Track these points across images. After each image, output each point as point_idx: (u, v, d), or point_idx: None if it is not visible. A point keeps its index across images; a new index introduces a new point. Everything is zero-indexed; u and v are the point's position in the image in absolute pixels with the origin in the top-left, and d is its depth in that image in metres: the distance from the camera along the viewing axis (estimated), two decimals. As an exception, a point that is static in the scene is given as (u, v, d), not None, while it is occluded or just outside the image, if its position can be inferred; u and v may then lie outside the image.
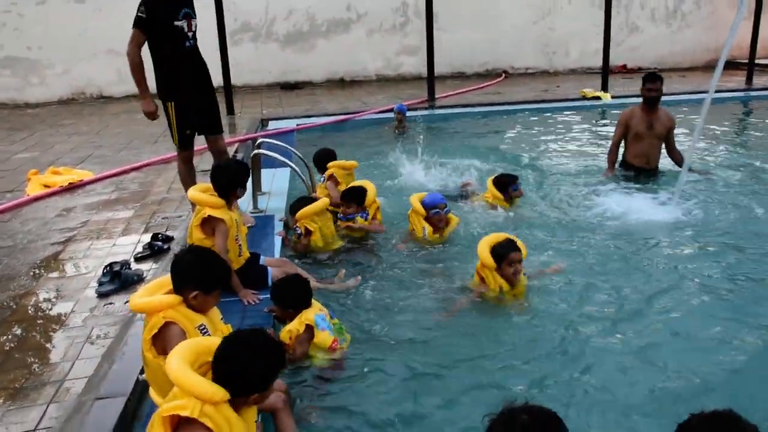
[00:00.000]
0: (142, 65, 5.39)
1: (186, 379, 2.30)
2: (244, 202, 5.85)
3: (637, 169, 7.27)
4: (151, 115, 5.66)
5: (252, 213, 5.98)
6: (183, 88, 5.50)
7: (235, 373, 2.36)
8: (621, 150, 7.45)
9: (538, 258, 4.99)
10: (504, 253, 4.29)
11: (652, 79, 7.12)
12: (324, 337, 3.63)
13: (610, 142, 7.59)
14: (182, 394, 2.31)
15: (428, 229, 5.35)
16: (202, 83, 5.67)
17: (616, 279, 4.71)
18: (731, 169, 7.67)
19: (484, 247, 4.39)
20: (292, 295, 3.78)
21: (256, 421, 2.89)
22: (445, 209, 5.40)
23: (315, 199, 5.34)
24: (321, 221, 5.19)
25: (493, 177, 6.45)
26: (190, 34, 5.46)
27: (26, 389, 3.37)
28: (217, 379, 2.36)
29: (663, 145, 7.32)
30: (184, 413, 2.25)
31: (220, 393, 2.30)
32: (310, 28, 15.60)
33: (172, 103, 5.52)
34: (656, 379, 3.46)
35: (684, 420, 1.91)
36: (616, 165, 7.43)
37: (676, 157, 7.29)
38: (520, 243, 4.41)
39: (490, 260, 4.32)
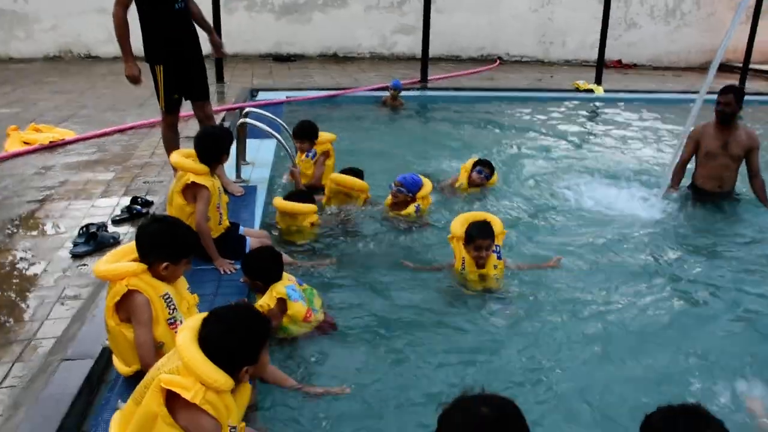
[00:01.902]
0: (126, 27, 5.23)
1: (195, 362, 2.25)
2: (227, 171, 5.76)
3: (707, 193, 6.21)
4: (134, 80, 5.48)
5: (235, 182, 5.89)
6: (171, 51, 5.38)
7: (224, 350, 2.31)
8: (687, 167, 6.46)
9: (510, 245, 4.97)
10: (474, 235, 4.28)
11: (724, 91, 6.02)
12: (297, 307, 3.58)
13: (595, 139, 7.34)
14: (187, 372, 2.26)
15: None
16: (191, 47, 5.54)
17: (594, 272, 4.70)
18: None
19: (459, 220, 4.43)
20: (263, 268, 3.72)
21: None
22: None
23: (307, 193, 5.29)
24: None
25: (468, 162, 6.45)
26: None
27: (-9, 346, 3.30)
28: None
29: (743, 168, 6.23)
30: (187, 396, 2.21)
31: (227, 382, 2.28)
32: (306, 0, 15.39)
33: (161, 66, 5.40)
34: (631, 380, 3.44)
35: (651, 412, 1.90)
36: (683, 187, 6.44)
37: (757, 185, 6.12)
38: (498, 223, 4.41)
39: (459, 231, 4.34)
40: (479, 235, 4.27)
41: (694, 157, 6.33)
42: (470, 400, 1.80)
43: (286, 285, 3.64)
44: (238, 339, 2.35)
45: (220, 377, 2.25)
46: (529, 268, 4.64)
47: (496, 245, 4.35)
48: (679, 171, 6.40)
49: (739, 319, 4.12)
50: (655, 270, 4.79)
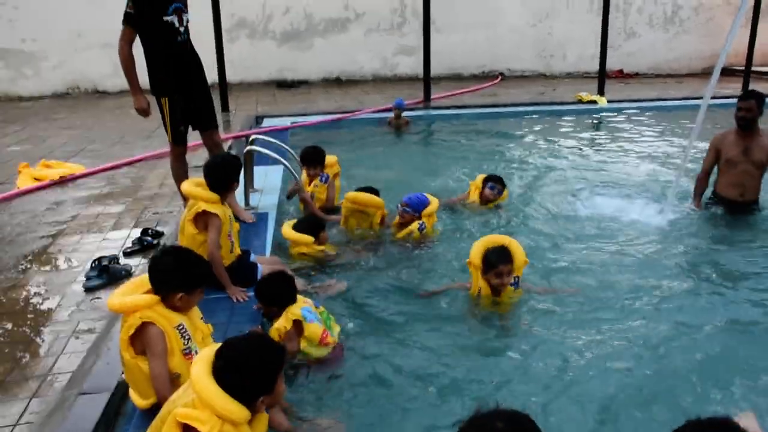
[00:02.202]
0: (131, 62, 5.31)
1: (210, 395, 2.25)
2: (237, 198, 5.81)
3: (729, 201, 6.13)
4: (143, 112, 5.57)
5: (244, 209, 5.92)
6: (176, 83, 5.45)
7: (238, 381, 2.32)
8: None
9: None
10: (494, 262, 4.20)
11: (744, 97, 6.00)
12: (314, 329, 3.59)
13: (601, 150, 7.37)
14: (202, 405, 2.26)
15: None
16: (196, 78, 5.61)
17: (604, 287, 4.66)
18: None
19: (479, 247, 4.32)
20: (276, 292, 3.74)
21: None
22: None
23: (316, 221, 5.30)
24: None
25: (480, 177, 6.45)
26: (181, 29, 5.39)
27: (9, 383, 3.32)
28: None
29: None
30: (203, 429, 2.21)
31: (243, 414, 2.27)
32: (307, 27, 15.55)
33: (166, 98, 5.47)
34: (646, 391, 3.42)
35: (679, 426, 1.87)
36: (705, 197, 6.36)
37: None
38: (519, 249, 4.32)
39: (477, 260, 4.27)
40: (499, 260, 4.19)
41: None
42: (485, 416, 1.79)
43: (302, 307, 3.65)
44: (252, 369, 2.35)
45: (235, 409, 2.26)
46: (545, 291, 4.55)
47: (516, 276, 4.28)
48: (702, 182, 6.29)
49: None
50: (672, 283, 4.73)
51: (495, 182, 6.32)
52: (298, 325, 3.61)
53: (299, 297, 3.78)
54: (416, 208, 5.45)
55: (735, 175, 6.07)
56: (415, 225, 5.43)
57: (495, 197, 6.30)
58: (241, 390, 2.31)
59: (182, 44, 5.44)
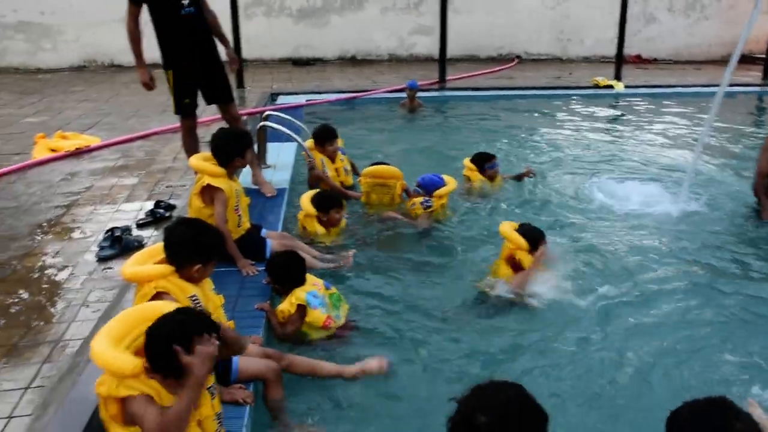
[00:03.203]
0: (136, 36, 5.40)
1: (96, 356, 2.22)
2: (248, 173, 5.84)
3: None
4: (146, 86, 5.65)
5: (256, 187, 5.95)
6: (181, 56, 5.47)
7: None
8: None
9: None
10: (539, 238, 4.26)
11: None
12: (316, 315, 3.62)
13: (617, 135, 7.29)
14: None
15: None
16: (204, 52, 5.60)
17: (616, 273, 4.65)
18: (743, 161, 7.57)
19: (512, 232, 4.30)
20: (284, 273, 3.78)
21: (243, 388, 2.92)
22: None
23: (332, 197, 5.16)
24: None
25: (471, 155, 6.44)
26: (185, 1, 5.39)
27: (21, 348, 3.39)
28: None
29: None
30: (101, 390, 2.22)
31: (128, 365, 2.19)
32: (323, 4, 15.48)
33: (171, 71, 5.50)
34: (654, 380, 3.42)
35: (677, 408, 1.89)
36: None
37: None
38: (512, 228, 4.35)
39: (521, 240, 4.24)
40: (543, 235, 4.29)
41: None
42: (483, 387, 1.83)
43: (308, 291, 3.68)
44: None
45: (119, 363, 2.19)
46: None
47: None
48: (760, 183, 5.93)
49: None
50: (683, 270, 4.72)
51: (488, 159, 6.29)
52: (301, 310, 3.64)
53: (310, 278, 3.81)
54: (426, 187, 5.47)
55: None
56: (418, 200, 5.43)
57: (497, 172, 6.32)
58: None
59: (187, 17, 5.42)
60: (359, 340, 3.75)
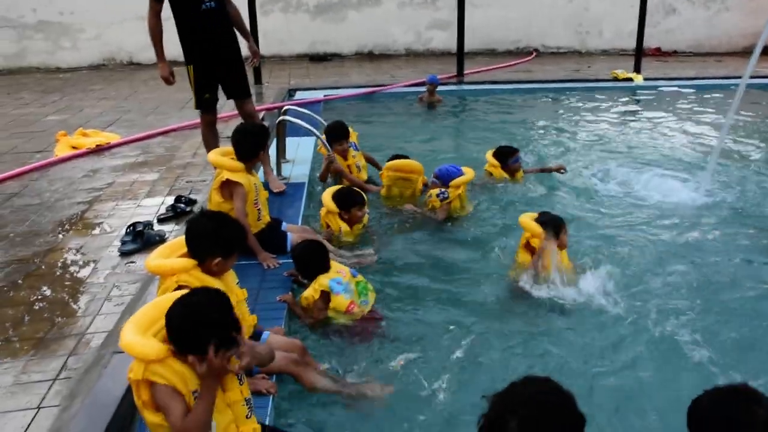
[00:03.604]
0: (157, 32, 5.43)
1: (125, 343, 2.26)
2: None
3: None
4: (165, 80, 5.68)
5: (278, 179, 5.97)
6: (201, 51, 5.48)
7: (180, 335, 2.26)
8: None
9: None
10: (561, 224, 4.26)
11: None
12: (339, 300, 3.65)
13: (637, 127, 7.28)
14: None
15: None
16: (225, 47, 5.60)
17: (641, 264, 4.61)
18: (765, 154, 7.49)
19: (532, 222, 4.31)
20: (308, 261, 3.81)
21: (267, 378, 2.94)
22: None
23: (354, 195, 5.06)
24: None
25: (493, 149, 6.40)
26: None
27: (48, 341, 3.43)
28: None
29: None
30: (130, 375, 2.24)
31: (154, 350, 2.23)
32: None
33: (191, 66, 5.53)
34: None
35: (698, 395, 1.87)
36: None
37: None
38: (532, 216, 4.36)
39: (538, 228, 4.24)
40: (562, 222, 4.30)
41: None
42: (516, 385, 1.79)
43: (332, 278, 3.71)
44: (189, 323, 2.27)
45: (145, 349, 2.23)
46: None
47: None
48: None
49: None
50: (705, 260, 4.68)
51: (511, 154, 6.25)
52: (325, 296, 3.68)
53: (335, 265, 3.83)
54: (444, 179, 5.44)
55: None
56: (435, 191, 5.41)
57: (519, 166, 6.29)
58: (186, 343, 2.25)
59: (207, 12, 5.41)
60: (387, 334, 3.74)
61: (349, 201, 4.89)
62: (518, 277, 4.25)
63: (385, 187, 5.74)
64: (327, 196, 4.97)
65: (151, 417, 2.27)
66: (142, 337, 2.28)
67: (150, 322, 2.35)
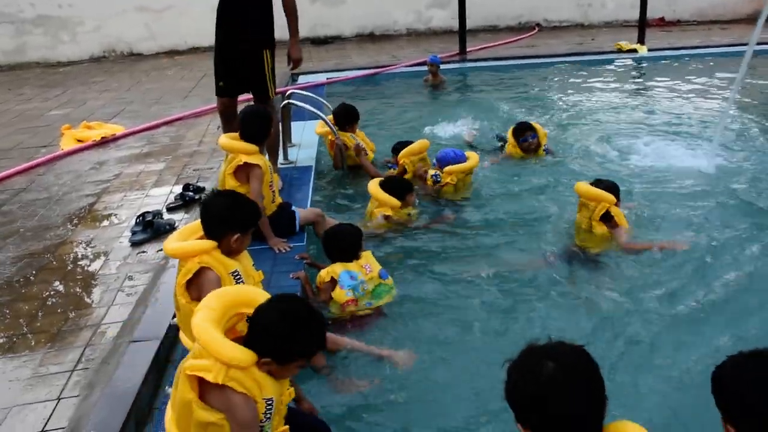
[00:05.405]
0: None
1: (210, 343, 2.13)
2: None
3: None
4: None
5: (282, 164, 5.96)
6: (221, 38, 5.32)
7: (276, 344, 2.17)
8: None
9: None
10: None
11: None
12: (339, 294, 3.66)
13: (643, 98, 7.22)
14: (206, 352, 2.15)
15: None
16: (242, 40, 5.33)
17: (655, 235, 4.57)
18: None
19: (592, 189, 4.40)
20: (337, 245, 3.83)
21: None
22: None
23: (405, 183, 5.07)
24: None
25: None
26: None
27: (64, 332, 3.44)
28: (254, 344, 2.18)
29: None
30: (209, 377, 2.10)
31: (246, 357, 2.14)
32: (339, -18, 15.35)
33: (215, 50, 5.43)
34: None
35: (721, 362, 1.86)
36: None
37: None
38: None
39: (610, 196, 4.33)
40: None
41: None
42: (536, 354, 1.77)
43: (347, 269, 3.71)
44: (295, 336, 2.20)
45: (237, 353, 2.13)
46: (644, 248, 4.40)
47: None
48: None
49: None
50: (717, 228, 4.62)
51: (526, 130, 6.22)
52: (332, 283, 3.70)
53: (366, 258, 3.81)
54: (441, 163, 5.44)
55: None
56: (432, 171, 5.43)
57: (536, 144, 6.23)
58: (279, 353, 2.18)
59: (234, 2, 5.27)
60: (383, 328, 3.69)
61: (401, 190, 4.92)
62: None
63: (411, 173, 5.66)
64: (382, 194, 4.84)
65: (204, 415, 2.15)
66: (221, 334, 2.19)
67: (219, 317, 2.24)
